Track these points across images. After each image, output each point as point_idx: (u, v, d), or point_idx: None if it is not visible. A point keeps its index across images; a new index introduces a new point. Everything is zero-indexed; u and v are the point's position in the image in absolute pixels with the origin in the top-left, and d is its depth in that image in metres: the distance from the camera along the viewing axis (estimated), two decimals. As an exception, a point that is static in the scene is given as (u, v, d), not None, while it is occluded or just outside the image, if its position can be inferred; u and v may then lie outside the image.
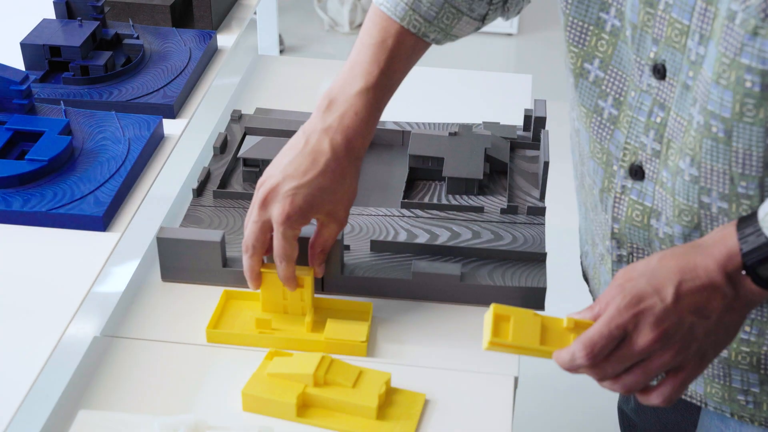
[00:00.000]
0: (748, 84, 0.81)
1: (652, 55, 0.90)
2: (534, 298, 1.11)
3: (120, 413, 0.96)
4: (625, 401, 1.46)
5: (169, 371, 1.02)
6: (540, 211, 1.22)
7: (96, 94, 1.33)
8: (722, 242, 0.83)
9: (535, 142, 1.36)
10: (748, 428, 1.03)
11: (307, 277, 1.05)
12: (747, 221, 0.83)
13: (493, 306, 0.88)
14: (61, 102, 1.30)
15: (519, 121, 1.44)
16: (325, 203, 1.01)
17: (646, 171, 0.94)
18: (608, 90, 0.95)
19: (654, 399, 0.86)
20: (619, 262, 1.03)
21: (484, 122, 1.38)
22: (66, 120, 1.22)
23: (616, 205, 0.99)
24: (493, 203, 1.24)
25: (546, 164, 1.22)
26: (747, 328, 0.95)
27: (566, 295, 2.48)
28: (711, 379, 1.02)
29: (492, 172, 1.30)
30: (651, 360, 0.83)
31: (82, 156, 1.20)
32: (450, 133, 1.31)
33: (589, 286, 1.20)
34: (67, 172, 1.17)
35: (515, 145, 1.36)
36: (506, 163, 1.30)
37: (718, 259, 0.82)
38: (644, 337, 0.82)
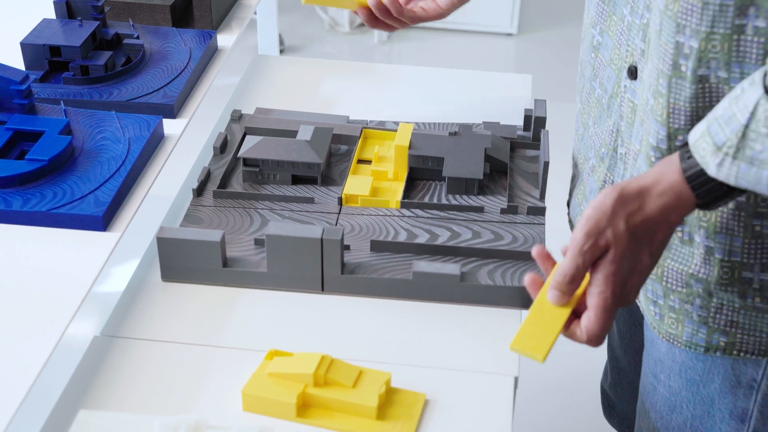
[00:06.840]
0: None
1: None
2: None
3: (120, 413, 0.96)
4: (604, 379, 1.50)
5: (169, 371, 1.02)
6: (540, 211, 1.22)
7: (96, 94, 1.33)
8: (677, 195, 0.89)
9: (535, 142, 1.36)
10: (659, 340, 1.12)
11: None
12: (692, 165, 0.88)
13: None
14: (61, 102, 1.30)
15: (519, 121, 1.44)
16: None
17: (639, 70, 1.02)
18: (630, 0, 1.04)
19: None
20: (613, 160, 1.12)
21: (484, 122, 1.39)
22: (66, 120, 1.22)
23: (621, 104, 1.07)
24: (493, 203, 1.24)
25: (546, 164, 1.22)
26: None
27: (566, 295, 2.48)
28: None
29: (492, 172, 1.30)
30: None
31: (82, 156, 1.20)
32: (450, 133, 1.31)
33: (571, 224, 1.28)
34: (67, 172, 1.17)
35: (515, 145, 1.36)
36: (506, 163, 1.30)
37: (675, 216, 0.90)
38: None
